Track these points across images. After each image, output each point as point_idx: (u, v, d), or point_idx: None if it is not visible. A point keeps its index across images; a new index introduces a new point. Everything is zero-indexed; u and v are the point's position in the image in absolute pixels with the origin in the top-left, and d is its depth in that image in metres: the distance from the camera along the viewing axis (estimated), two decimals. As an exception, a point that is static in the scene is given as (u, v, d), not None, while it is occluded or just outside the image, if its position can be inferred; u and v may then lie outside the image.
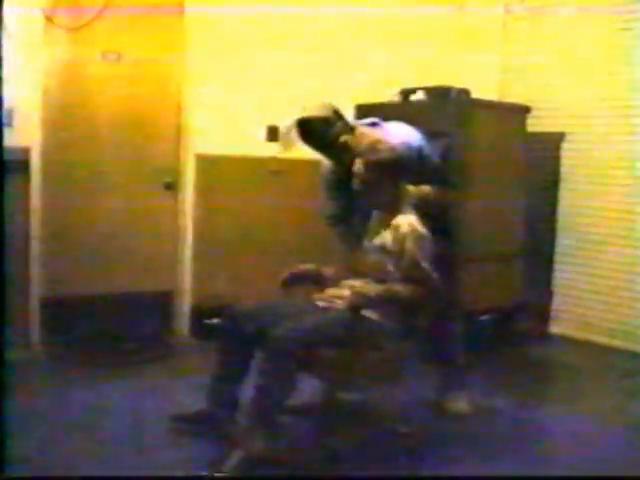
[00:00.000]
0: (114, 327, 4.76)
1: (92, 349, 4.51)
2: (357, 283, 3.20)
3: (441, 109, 4.80)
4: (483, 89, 5.16)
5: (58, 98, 4.71)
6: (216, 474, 2.91)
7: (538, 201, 5.34)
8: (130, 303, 4.82)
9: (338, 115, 3.45)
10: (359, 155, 3.21)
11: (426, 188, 3.36)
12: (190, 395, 3.47)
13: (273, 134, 5.10)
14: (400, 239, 3.10)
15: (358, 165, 3.19)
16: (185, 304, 5.10)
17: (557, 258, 5.53)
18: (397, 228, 3.11)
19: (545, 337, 5.42)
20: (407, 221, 3.12)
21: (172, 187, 5.09)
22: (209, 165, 4.99)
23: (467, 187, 4.27)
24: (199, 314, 4.97)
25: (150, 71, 4.94)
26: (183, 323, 5.11)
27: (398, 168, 3.19)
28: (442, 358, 3.76)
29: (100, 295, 4.81)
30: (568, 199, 5.45)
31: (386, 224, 3.19)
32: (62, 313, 4.63)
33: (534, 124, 5.18)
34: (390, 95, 5.14)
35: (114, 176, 4.90)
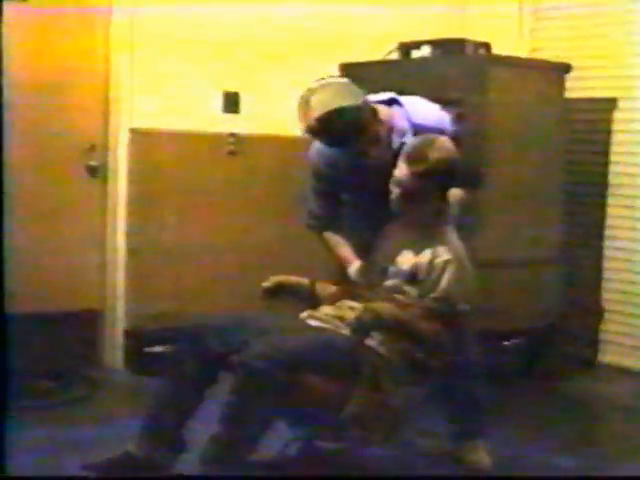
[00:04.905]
0: (22, 359, 4.10)
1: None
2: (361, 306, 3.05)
3: (453, 68, 4.45)
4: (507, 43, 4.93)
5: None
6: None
7: (581, 188, 4.92)
8: (44, 327, 4.40)
9: (365, 100, 3.16)
10: (404, 159, 2.97)
11: (458, 193, 3.17)
12: (121, 446, 3.08)
13: (232, 103, 4.68)
14: (438, 269, 2.94)
15: (404, 172, 2.96)
16: (117, 327, 4.68)
17: (607, 263, 5.00)
18: (436, 255, 2.96)
19: (593, 367, 4.98)
20: (450, 248, 2.97)
21: (98, 172, 4.62)
22: (147, 144, 4.57)
23: (487, 170, 3.93)
24: (136, 339, 4.59)
25: (68, 20, 4.43)
26: (114, 352, 4.70)
27: (453, 175, 3.01)
28: (456, 396, 3.44)
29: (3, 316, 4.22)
30: (621, 185, 4.93)
31: (420, 245, 3.01)
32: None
33: (575, 87, 4.71)
34: (386, 51, 4.72)
35: (22, 158, 4.28)
